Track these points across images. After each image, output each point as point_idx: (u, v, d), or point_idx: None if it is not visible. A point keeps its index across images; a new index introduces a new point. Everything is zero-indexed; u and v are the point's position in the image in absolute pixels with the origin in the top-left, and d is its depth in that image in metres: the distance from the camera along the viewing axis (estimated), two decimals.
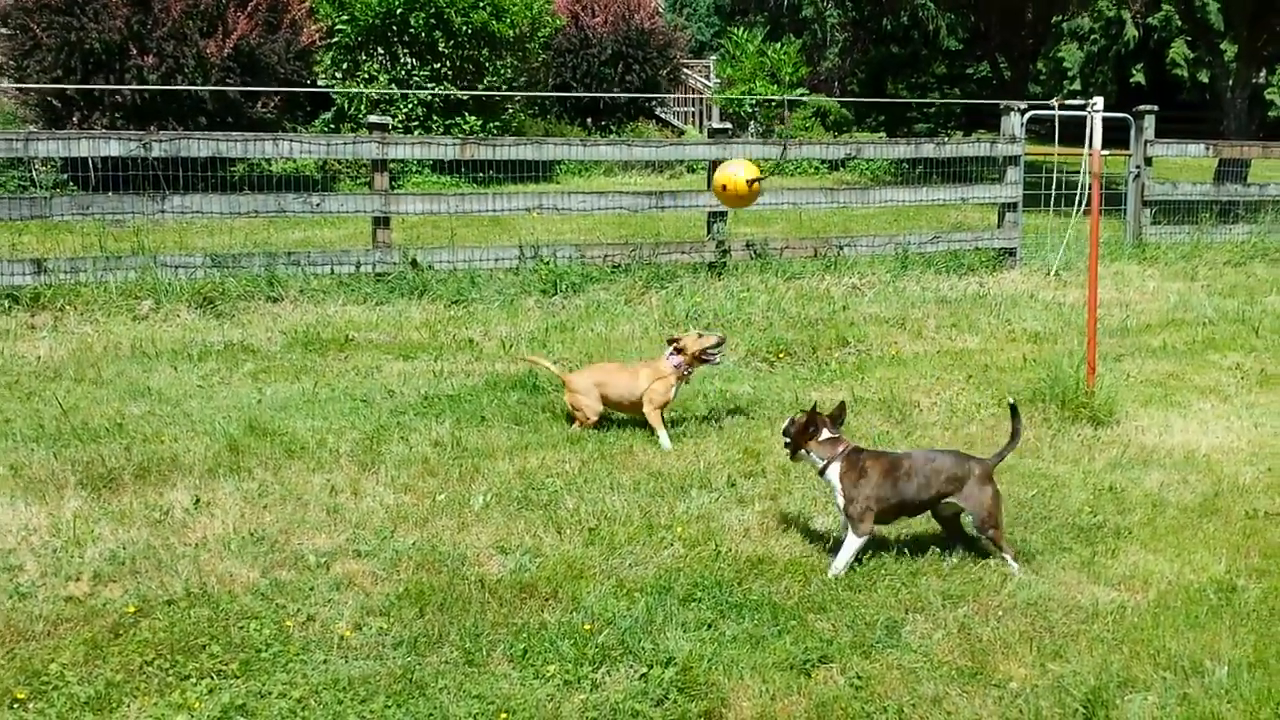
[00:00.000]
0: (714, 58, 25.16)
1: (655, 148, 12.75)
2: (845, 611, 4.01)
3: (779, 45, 22.49)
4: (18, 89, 13.56)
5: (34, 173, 12.86)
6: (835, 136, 21.81)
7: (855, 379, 7.12)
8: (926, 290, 9.99)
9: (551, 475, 5.24)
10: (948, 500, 4.41)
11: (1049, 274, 10.65)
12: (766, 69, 21.58)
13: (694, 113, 23.77)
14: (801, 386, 6.91)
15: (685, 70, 23.33)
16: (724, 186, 6.03)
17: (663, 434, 5.78)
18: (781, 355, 7.65)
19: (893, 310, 9.18)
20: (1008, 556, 4.35)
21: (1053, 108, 7.36)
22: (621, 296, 9.36)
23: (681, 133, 22.54)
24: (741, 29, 23.51)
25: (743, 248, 10.55)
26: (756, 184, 5.97)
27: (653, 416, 5.84)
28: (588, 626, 3.83)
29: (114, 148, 9.07)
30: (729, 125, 11.45)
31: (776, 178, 18.36)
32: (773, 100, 21.03)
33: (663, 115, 22.89)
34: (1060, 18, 30.23)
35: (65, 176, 12.78)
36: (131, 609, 3.90)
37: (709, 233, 10.58)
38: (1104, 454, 5.74)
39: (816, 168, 19.33)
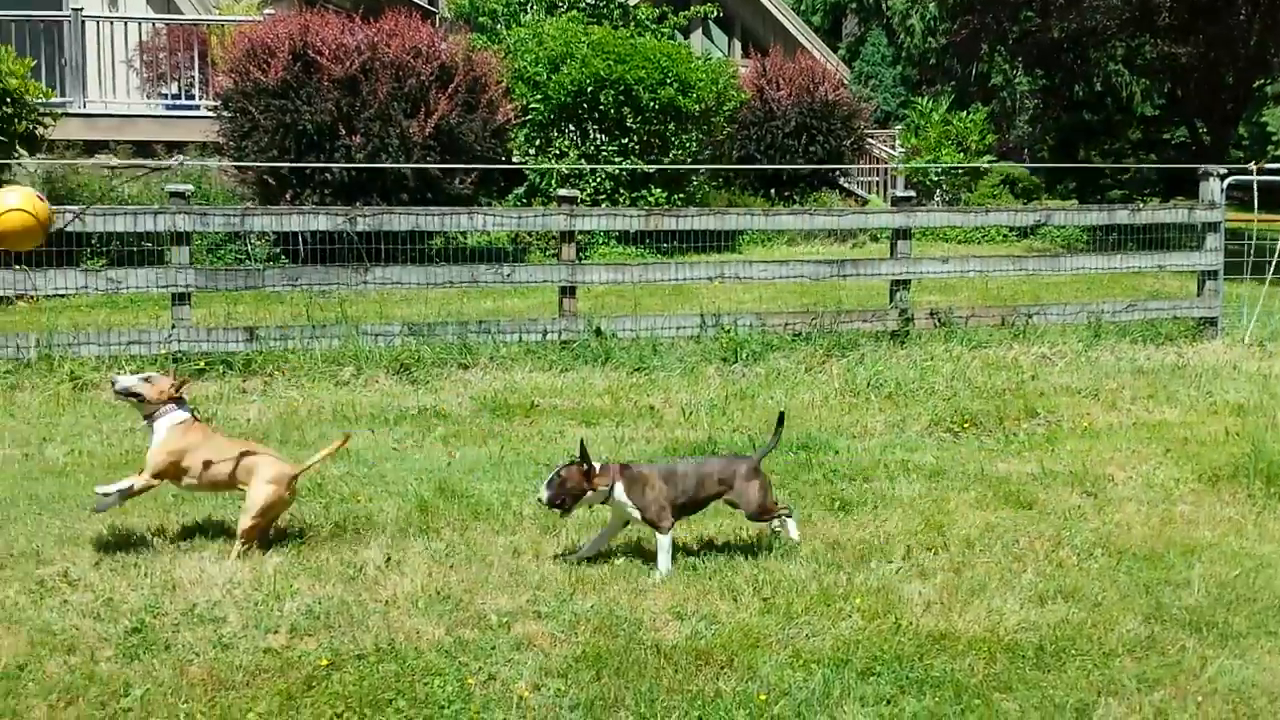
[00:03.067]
0: (899, 127, 25.02)
1: (837, 216, 12.74)
2: (1032, 692, 3.87)
3: (965, 114, 22.23)
4: (236, 167, 14.51)
5: (250, 246, 13.72)
6: (1024, 204, 21.34)
7: (1045, 451, 6.91)
8: (1121, 360, 9.64)
9: (728, 542, 5.25)
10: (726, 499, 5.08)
11: (1253, 344, 10.12)
12: (952, 137, 21.33)
13: (878, 182, 23.65)
14: (988, 457, 6.75)
15: (870, 140, 23.26)
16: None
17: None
18: (967, 425, 7.49)
19: (1085, 380, 8.88)
20: (785, 528, 5.15)
21: (1251, 172, 7.07)
22: (802, 365, 9.34)
23: (865, 202, 22.45)
24: (927, 99, 23.31)
25: (926, 316, 10.41)
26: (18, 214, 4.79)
27: None
28: (763, 696, 3.81)
29: (322, 222, 9.63)
30: (913, 193, 11.36)
31: (962, 245, 18.09)
32: (958, 168, 20.76)
33: (846, 185, 22.84)
34: (1262, 81, 28.95)
35: (278, 250, 13.59)
36: (324, 662, 4.06)
37: (892, 301, 10.48)
38: None
39: (1005, 235, 18.96)
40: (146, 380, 5.17)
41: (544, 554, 5.11)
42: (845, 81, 24.02)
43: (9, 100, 12.09)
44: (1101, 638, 4.25)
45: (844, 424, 7.59)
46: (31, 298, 10.79)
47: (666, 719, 3.71)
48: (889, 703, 3.80)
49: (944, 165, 20.76)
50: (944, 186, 20.93)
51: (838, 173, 22.15)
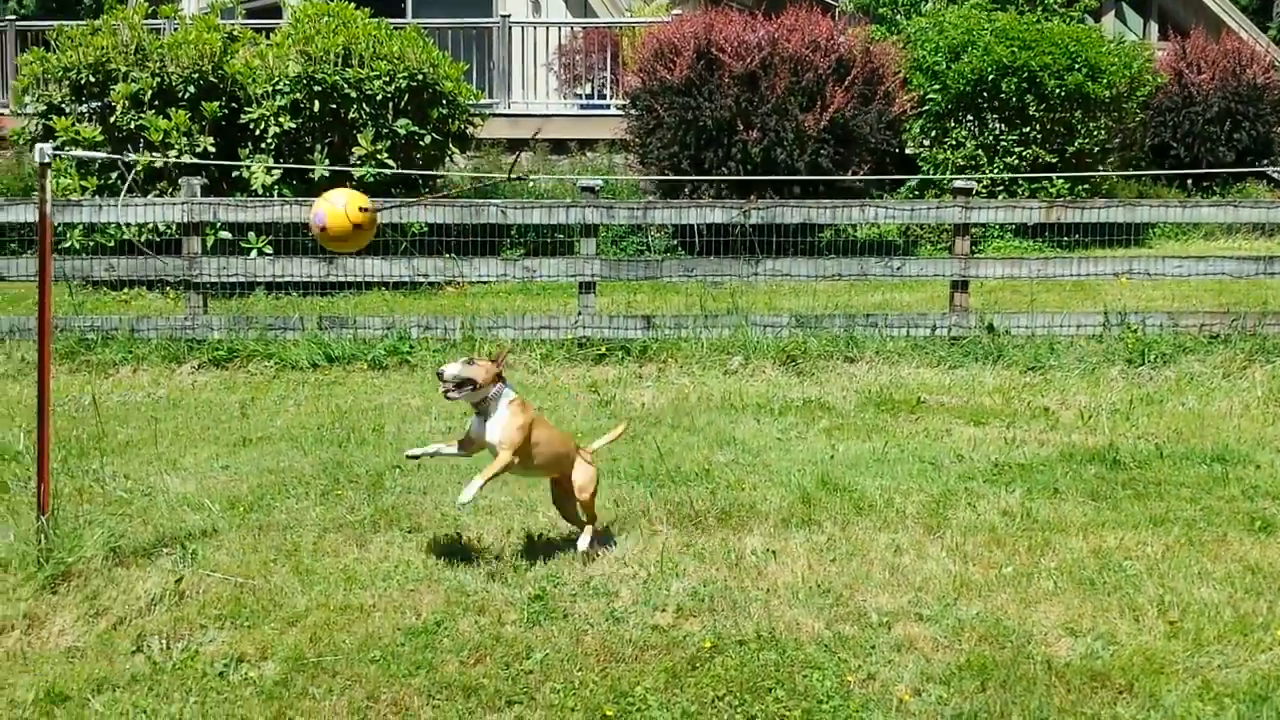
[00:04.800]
0: None
1: (1266, 209, 11.64)
2: None
3: None
4: (641, 163, 15.17)
5: (649, 238, 14.33)
6: None
7: None
8: None
9: (1130, 557, 4.93)
10: None
11: None
12: None
13: None
14: None
15: None
16: (324, 228, 4.77)
17: None
18: None
19: None
20: None
21: None
22: (1219, 369, 8.61)
23: None
24: None
25: None
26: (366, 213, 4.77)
27: None
28: None
29: (718, 215, 9.94)
30: None
31: None
32: None
33: (1275, 175, 20.75)
34: None
35: (675, 242, 14.10)
36: (708, 644, 4.19)
37: None
38: None
39: None
40: (470, 363, 4.84)
41: (926, 554, 5.02)
42: (1277, 64, 21.76)
43: (445, 102, 13.22)
44: None
45: (1267, 436, 6.93)
46: (459, 284, 11.81)
47: None
48: None
49: None
50: None
51: (1266, 161, 20.14)
